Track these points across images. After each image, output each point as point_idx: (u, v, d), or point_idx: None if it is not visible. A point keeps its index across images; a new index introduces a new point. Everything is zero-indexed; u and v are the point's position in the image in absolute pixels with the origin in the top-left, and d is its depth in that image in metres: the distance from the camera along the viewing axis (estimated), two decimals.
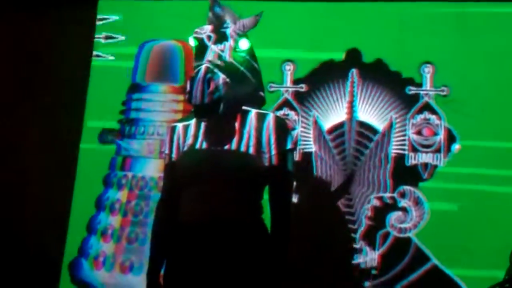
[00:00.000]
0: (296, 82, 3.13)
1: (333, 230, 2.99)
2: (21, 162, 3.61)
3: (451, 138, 2.93)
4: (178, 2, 3.52)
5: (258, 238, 2.12)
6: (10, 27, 3.81)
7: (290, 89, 3.13)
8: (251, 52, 2.24)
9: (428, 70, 2.97)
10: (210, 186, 2.08)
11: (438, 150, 2.92)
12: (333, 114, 3.06)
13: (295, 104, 3.10)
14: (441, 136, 2.94)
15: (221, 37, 2.17)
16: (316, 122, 3.08)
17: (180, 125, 2.28)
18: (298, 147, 3.10)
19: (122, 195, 3.57)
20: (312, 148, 3.05)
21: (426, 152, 2.94)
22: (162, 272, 2.22)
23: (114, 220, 3.55)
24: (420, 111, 2.97)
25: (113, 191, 3.59)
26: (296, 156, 3.02)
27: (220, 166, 2.12)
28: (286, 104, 3.09)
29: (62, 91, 3.68)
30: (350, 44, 3.05)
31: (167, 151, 2.26)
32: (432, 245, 2.83)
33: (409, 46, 3.01)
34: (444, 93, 2.95)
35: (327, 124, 3.06)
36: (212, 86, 2.06)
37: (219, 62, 2.13)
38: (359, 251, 2.92)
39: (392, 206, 2.91)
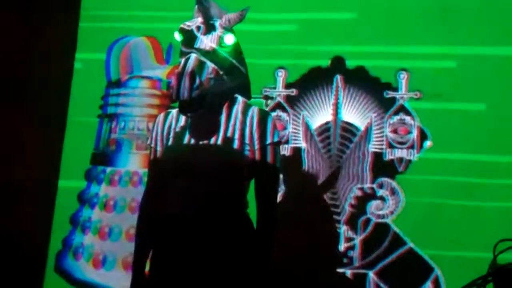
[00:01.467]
0: (287, 86, 3.21)
1: (319, 221, 3.02)
2: (7, 158, 3.45)
3: (423, 136, 3.03)
4: None
5: (243, 232, 2.07)
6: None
7: (282, 93, 3.21)
8: (236, 47, 2.15)
9: (403, 76, 3.08)
10: (194, 181, 2.02)
11: (411, 147, 3.04)
12: (320, 114, 3.15)
13: (286, 106, 3.19)
14: (415, 134, 3.04)
15: (210, 28, 2.10)
16: (305, 122, 3.17)
17: (163, 118, 2.20)
18: (282, 140, 3.08)
19: (103, 189, 3.44)
20: (302, 144, 3.13)
21: (401, 148, 3.05)
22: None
23: (96, 215, 3.40)
24: (396, 112, 3.08)
25: (94, 186, 3.46)
26: (287, 150, 3.11)
27: (204, 161, 2.04)
28: (279, 106, 3.18)
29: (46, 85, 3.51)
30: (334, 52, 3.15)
31: (152, 144, 2.19)
32: (408, 230, 2.93)
33: (387, 55, 3.12)
34: (417, 96, 3.06)
35: (314, 124, 3.15)
36: (197, 81, 1.98)
37: (209, 49, 2.05)
38: (343, 236, 2.99)
39: (372, 196, 3.02)
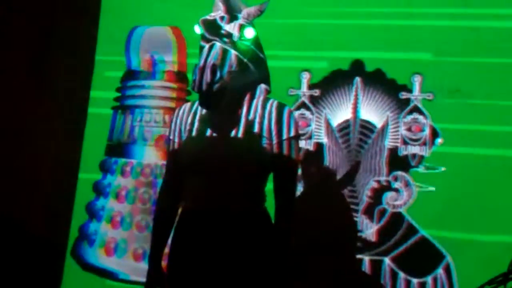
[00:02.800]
0: (311, 87, 3.25)
1: (338, 214, 3.07)
2: (27, 148, 3.41)
3: (434, 134, 3.07)
4: None
5: (260, 226, 2.00)
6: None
7: (306, 93, 3.24)
8: (256, 41, 2.07)
9: (417, 79, 3.11)
10: (212, 174, 1.96)
11: (424, 143, 3.07)
12: (341, 113, 3.19)
13: (310, 105, 3.22)
14: (427, 132, 3.07)
15: (233, 19, 2.01)
16: (327, 120, 3.20)
17: (183, 110, 2.12)
18: (301, 134, 3.04)
19: (116, 179, 3.38)
20: (324, 140, 3.18)
21: (415, 145, 3.08)
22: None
23: (113, 205, 3.36)
24: (410, 112, 3.11)
25: (109, 176, 3.40)
26: (311, 145, 3.16)
27: (223, 154, 1.97)
28: (303, 105, 3.23)
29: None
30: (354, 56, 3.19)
31: (171, 137, 2.11)
32: (420, 219, 3.00)
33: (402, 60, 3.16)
34: (430, 98, 3.09)
35: (335, 121, 3.19)
36: (218, 74, 1.90)
37: (233, 38, 1.98)
38: (361, 225, 3.04)
39: (387, 188, 3.07)
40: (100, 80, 3.51)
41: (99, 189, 3.41)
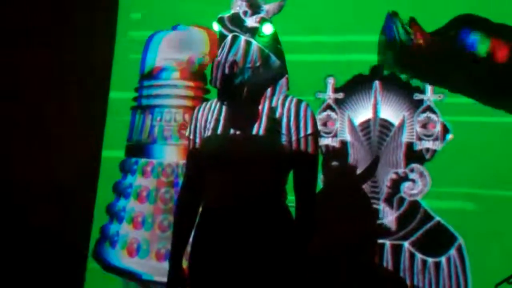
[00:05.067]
0: (336, 90, 3.34)
1: (359, 207, 3.06)
2: (48, 151, 3.35)
3: (445, 130, 3.17)
4: None
5: (282, 223, 1.93)
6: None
7: (332, 97, 3.33)
8: (275, 37, 2.00)
9: None
10: (233, 172, 1.89)
11: (436, 139, 3.17)
12: (362, 113, 3.30)
13: (335, 107, 3.32)
14: (439, 129, 3.18)
15: (255, 14, 1.96)
16: (350, 120, 3.30)
17: (202, 109, 2.05)
18: (319, 130, 2.76)
19: (137, 180, 3.29)
20: (347, 138, 3.28)
21: (428, 140, 3.17)
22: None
23: (133, 205, 3.26)
24: (424, 111, 3.21)
25: (129, 176, 3.31)
26: (336, 143, 3.24)
27: (243, 152, 1.90)
28: (329, 107, 3.33)
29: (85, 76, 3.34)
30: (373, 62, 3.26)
31: (191, 136, 2.04)
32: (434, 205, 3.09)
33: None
34: (440, 98, 3.18)
35: (358, 121, 3.30)
36: (236, 69, 1.83)
37: (257, 32, 1.93)
38: (382, 212, 3.13)
39: (405, 178, 3.17)
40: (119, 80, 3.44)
41: (119, 190, 3.34)
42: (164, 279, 2.06)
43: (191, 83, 3.32)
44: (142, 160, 3.27)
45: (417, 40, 3.03)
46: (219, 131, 1.95)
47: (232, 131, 1.93)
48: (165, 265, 2.07)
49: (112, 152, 3.38)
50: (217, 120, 1.97)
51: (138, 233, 3.22)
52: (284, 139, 1.91)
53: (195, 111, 2.06)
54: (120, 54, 3.45)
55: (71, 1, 3.50)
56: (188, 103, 3.30)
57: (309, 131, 1.93)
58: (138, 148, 3.33)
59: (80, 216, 3.29)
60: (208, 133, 1.97)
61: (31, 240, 3.26)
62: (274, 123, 1.92)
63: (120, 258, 3.26)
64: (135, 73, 3.43)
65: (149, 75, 3.38)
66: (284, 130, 1.92)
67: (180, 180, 3.03)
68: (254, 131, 1.90)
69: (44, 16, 3.48)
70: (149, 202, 3.24)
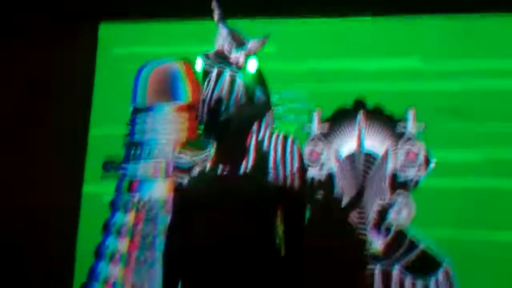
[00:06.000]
0: (322, 123, 3.40)
1: (346, 238, 3.14)
2: (31, 185, 3.32)
3: (428, 160, 3.25)
4: (179, 22, 3.38)
5: (272, 262, 1.94)
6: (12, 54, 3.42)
7: (318, 129, 3.39)
8: (259, 73, 2.05)
9: (410, 112, 3.30)
10: (222, 211, 1.90)
11: (420, 168, 3.25)
12: (347, 144, 3.35)
13: (321, 139, 3.37)
14: (422, 158, 3.26)
15: (239, 50, 2.01)
16: (335, 151, 3.35)
17: (187, 147, 2.10)
18: (309, 166, 3.20)
19: (129, 218, 3.22)
20: (333, 169, 3.33)
21: (411, 170, 3.26)
22: None
23: (123, 244, 3.19)
24: (406, 142, 3.29)
25: (121, 214, 3.24)
26: (322, 175, 3.27)
27: (231, 190, 1.92)
28: (315, 139, 3.38)
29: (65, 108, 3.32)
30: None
31: (177, 175, 2.07)
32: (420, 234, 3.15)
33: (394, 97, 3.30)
34: (421, 128, 3.26)
35: (343, 153, 3.35)
36: (223, 105, 1.86)
37: (239, 66, 1.95)
38: (368, 240, 3.16)
39: (390, 208, 3.23)
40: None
41: (108, 228, 3.29)
42: None
43: (184, 115, 3.33)
44: (135, 197, 3.26)
45: None
46: (206, 169, 1.97)
47: (219, 169, 1.95)
48: None
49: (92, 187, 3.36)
50: (204, 158, 2.00)
51: (131, 275, 3.19)
52: (271, 175, 1.95)
53: (180, 149, 2.10)
54: (101, 89, 3.49)
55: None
56: (181, 135, 3.32)
57: (296, 166, 1.97)
58: (129, 184, 3.32)
59: (62, 254, 3.27)
60: (196, 171, 1.99)
61: None
62: (261, 160, 1.94)
63: None
64: (118, 107, 3.44)
65: (140, 110, 3.39)
66: (270, 166, 1.95)
67: (160, 215, 3.12)
68: (242, 168, 1.92)
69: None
70: (143, 241, 3.20)
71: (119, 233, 3.21)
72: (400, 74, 3.34)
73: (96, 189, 3.33)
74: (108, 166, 3.29)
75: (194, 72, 3.06)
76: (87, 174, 3.35)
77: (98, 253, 3.25)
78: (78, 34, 3.42)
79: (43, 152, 3.36)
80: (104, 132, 3.41)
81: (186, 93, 3.29)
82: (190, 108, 3.29)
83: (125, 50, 3.47)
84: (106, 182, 3.31)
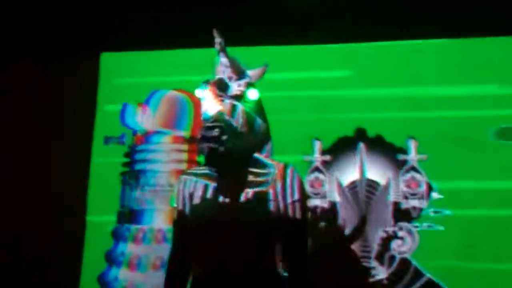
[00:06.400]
0: (323, 153, 3.40)
1: (349, 267, 3.16)
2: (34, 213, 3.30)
3: (430, 189, 3.24)
4: (179, 51, 3.41)
5: None
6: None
7: (319, 159, 3.39)
8: (259, 103, 2.02)
9: (411, 142, 3.30)
10: (223, 241, 1.86)
11: (422, 197, 3.24)
12: (349, 174, 3.35)
13: (323, 169, 3.37)
14: (424, 188, 3.24)
15: (240, 79, 1.99)
16: (338, 181, 3.35)
17: (187, 178, 2.02)
18: (310, 195, 3.21)
19: (130, 247, 3.23)
20: (336, 198, 3.32)
21: (414, 199, 3.24)
22: None
23: (125, 274, 3.20)
24: (408, 171, 3.28)
25: (122, 244, 3.25)
26: (325, 203, 3.26)
27: (232, 220, 1.87)
28: (317, 169, 3.37)
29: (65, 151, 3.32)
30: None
31: (176, 205, 2.01)
32: (424, 263, 3.15)
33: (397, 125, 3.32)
34: (424, 158, 3.25)
35: (345, 182, 3.34)
36: (225, 134, 1.84)
37: (239, 96, 1.93)
38: (373, 269, 3.16)
39: (394, 236, 3.22)
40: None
41: (111, 258, 3.29)
42: None
43: (183, 146, 3.33)
44: (134, 227, 3.25)
45: None
46: (206, 199, 1.94)
47: (219, 198, 1.92)
48: None
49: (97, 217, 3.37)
50: (205, 187, 1.95)
51: None
52: (272, 205, 1.91)
53: (179, 180, 2.03)
54: (101, 121, 3.51)
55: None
56: (180, 166, 3.30)
57: (296, 196, 1.93)
58: (129, 214, 3.30)
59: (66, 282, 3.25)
60: (197, 200, 1.95)
61: None
62: (261, 189, 1.91)
63: None
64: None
65: (142, 136, 3.40)
66: (271, 196, 1.91)
67: (162, 245, 3.14)
68: (243, 197, 1.89)
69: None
70: (140, 270, 3.21)
71: (119, 262, 3.24)
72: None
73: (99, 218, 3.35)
74: (108, 140, 3.32)
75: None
76: (90, 205, 3.37)
77: (102, 282, 3.28)
78: (79, 64, 3.45)
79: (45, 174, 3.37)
80: (106, 160, 3.44)
81: (190, 125, 3.31)
82: (191, 141, 3.31)
83: (126, 79, 3.53)
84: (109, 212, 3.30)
